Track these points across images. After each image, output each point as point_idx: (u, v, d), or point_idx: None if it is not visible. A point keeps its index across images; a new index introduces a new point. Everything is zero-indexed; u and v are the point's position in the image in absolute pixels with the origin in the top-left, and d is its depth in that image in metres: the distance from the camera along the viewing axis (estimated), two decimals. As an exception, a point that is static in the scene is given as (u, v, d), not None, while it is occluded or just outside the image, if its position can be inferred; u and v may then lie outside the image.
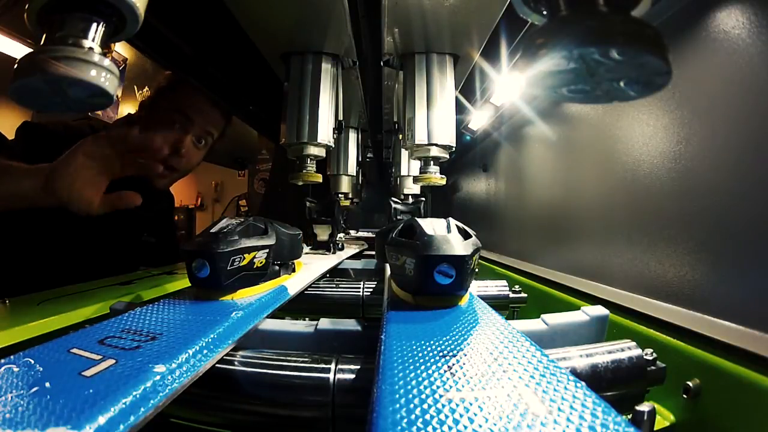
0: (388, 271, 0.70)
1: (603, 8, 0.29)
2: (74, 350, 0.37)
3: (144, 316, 0.48)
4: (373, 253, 1.54)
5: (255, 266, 0.60)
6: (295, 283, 0.75)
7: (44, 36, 0.35)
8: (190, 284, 0.57)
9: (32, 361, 0.34)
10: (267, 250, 0.62)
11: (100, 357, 0.35)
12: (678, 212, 0.73)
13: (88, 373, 0.32)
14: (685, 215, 0.71)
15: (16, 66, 0.33)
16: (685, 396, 0.60)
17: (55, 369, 0.33)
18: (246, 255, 0.58)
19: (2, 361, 0.34)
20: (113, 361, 0.34)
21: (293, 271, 0.79)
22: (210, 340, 0.42)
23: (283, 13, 0.81)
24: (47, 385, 0.30)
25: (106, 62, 0.34)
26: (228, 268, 0.55)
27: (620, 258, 0.89)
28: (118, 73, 0.36)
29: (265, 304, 0.59)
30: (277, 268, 0.69)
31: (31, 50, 0.34)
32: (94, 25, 0.36)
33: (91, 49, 0.34)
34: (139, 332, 0.42)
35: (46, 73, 0.32)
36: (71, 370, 0.33)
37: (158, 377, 0.33)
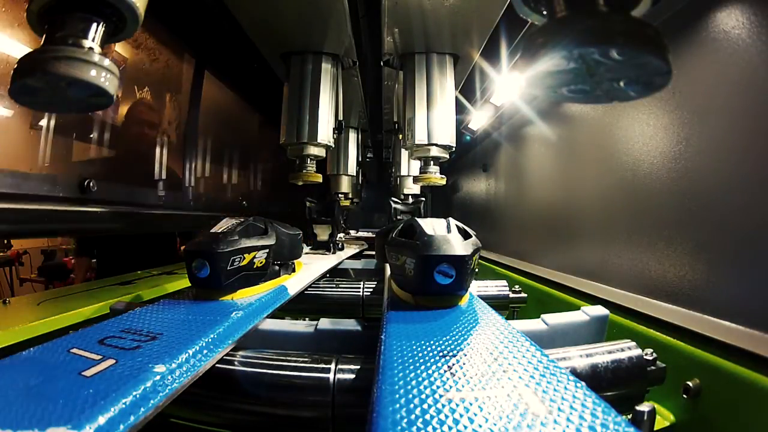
0: (388, 271, 0.70)
1: (603, 8, 0.29)
2: (74, 350, 0.37)
3: (144, 316, 0.48)
4: (373, 253, 1.54)
5: (255, 266, 0.60)
6: (295, 283, 0.75)
7: (44, 36, 0.35)
8: (190, 284, 0.57)
9: (33, 361, 0.34)
10: (267, 250, 0.62)
11: (100, 357, 0.35)
12: (678, 212, 0.73)
13: (88, 373, 0.32)
14: (686, 215, 0.71)
15: (16, 66, 0.33)
16: (685, 396, 0.60)
17: (55, 369, 0.33)
18: (246, 255, 0.58)
19: (3, 361, 0.34)
20: (113, 361, 0.34)
21: (293, 271, 0.79)
22: (210, 340, 0.42)
23: (283, 12, 0.81)
24: (48, 385, 0.30)
25: (106, 62, 0.34)
26: (228, 268, 0.55)
27: (620, 258, 0.89)
28: (118, 72, 0.36)
29: (265, 304, 0.59)
30: (277, 268, 0.69)
31: (32, 50, 0.34)
32: (95, 24, 0.36)
33: (91, 49, 0.34)
34: (139, 332, 0.42)
35: (47, 72, 0.32)
36: (71, 370, 0.33)
37: (158, 377, 0.33)
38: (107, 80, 0.34)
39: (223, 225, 0.60)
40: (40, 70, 0.32)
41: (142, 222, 1.06)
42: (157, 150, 1.24)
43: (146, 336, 0.41)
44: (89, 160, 0.93)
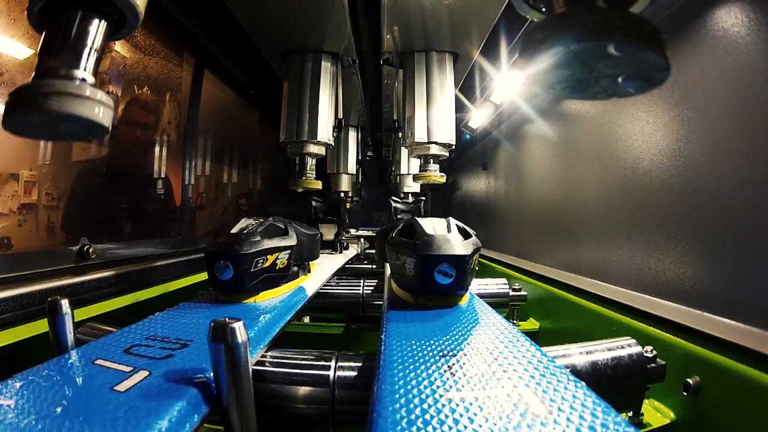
0: (388, 271, 0.70)
1: (601, 4, 0.28)
2: (100, 361, 0.34)
3: (167, 322, 0.46)
4: (374, 251, 1.55)
5: (277, 267, 0.58)
6: (312, 283, 0.74)
7: (44, 34, 0.35)
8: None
9: (56, 375, 0.31)
10: (289, 251, 0.60)
11: (130, 369, 0.32)
12: (678, 209, 0.73)
13: (121, 387, 0.29)
14: (685, 212, 0.71)
15: (9, 99, 0.31)
16: (685, 393, 0.60)
17: (83, 383, 0.30)
18: (269, 256, 0.56)
19: (22, 375, 0.30)
20: (146, 373, 0.32)
21: (309, 271, 0.77)
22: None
23: (282, 11, 0.81)
24: (78, 402, 0.27)
25: (100, 95, 0.32)
26: (252, 270, 0.53)
27: (620, 256, 0.89)
28: (112, 103, 0.34)
29: (287, 306, 0.57)
30: (296, 269, 0.68)
31: (24, 84, 0.31)
32: (95, 22, 0.35)
33: (83, 80, 0.33)
34: (166, 339, 0.40)
35: (40, 110, 0.30)
36: (101, 385, 0.29)
37: (200, 389, 0.30)
38: (102, 113, 0.32)
39: (243, 225, 0.58)
40: (34, 107, 0.30)
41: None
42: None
43: (175, 343, 0.39)
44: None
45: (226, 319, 0.30)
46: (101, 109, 0.33)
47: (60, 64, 0.33)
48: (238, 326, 0.30)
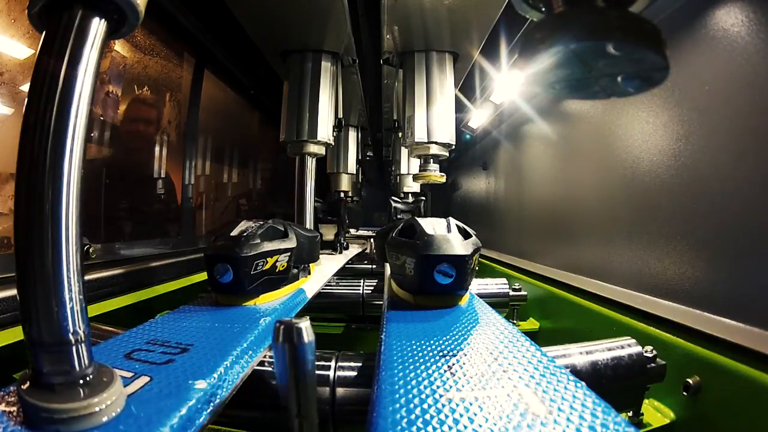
0: (388, 271, 0.70)
1: (601, 4, 0.28)
2: None
3: (167, 325, 0.46)
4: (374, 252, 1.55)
5: (277, 270, 0.58)
6: (312, 285, 0.74)
7: (44, 34, 0.35)
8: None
9: None
10: (288, 254, 0.60)
11: (132, 374, 0.32)
12: (678, 209, 0.73)
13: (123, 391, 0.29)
14: (685, 212, 0.71)
15: None
16: (685, 393, 0.60)
17: None
18: (269, 259, 0.56)
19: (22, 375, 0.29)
20: (148, 378, 0.32)
21: (309, 273, 0.77)
22: (244, 347, 0.40)
23: (282, 11, 0.81)
24: None
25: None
26: (252, 272, 0.53)
27: (620, 256, 0.89)
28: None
29: (287, 308, 0.57)
30: (296, 271, 0.67)
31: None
32: (95, 20, 0.35)
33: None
34: (167, 344, 0.40)
35: None
36: None
37: (201, 394, 0.30)
38: None
39: (242, 228, 0.57)
40: None
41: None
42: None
43: (176, 347, 0.39)
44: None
45: (292, 319, 0.29)
46: None
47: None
48: (305, 326, 0.29)
